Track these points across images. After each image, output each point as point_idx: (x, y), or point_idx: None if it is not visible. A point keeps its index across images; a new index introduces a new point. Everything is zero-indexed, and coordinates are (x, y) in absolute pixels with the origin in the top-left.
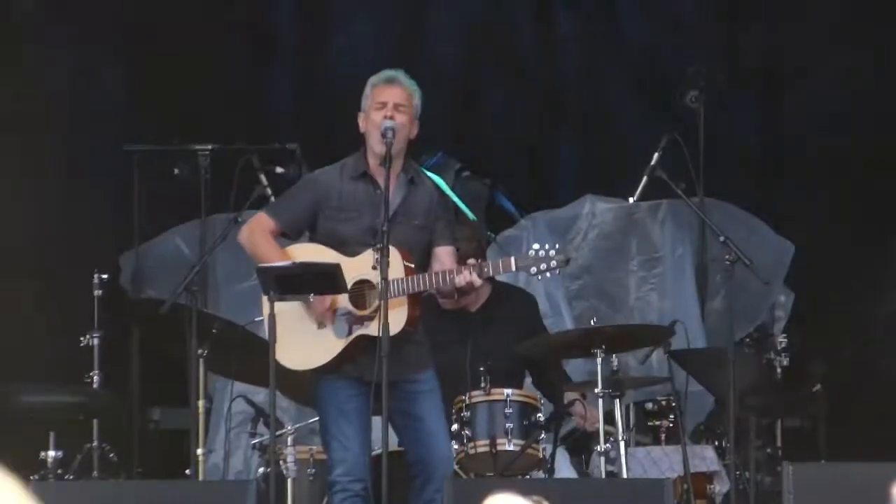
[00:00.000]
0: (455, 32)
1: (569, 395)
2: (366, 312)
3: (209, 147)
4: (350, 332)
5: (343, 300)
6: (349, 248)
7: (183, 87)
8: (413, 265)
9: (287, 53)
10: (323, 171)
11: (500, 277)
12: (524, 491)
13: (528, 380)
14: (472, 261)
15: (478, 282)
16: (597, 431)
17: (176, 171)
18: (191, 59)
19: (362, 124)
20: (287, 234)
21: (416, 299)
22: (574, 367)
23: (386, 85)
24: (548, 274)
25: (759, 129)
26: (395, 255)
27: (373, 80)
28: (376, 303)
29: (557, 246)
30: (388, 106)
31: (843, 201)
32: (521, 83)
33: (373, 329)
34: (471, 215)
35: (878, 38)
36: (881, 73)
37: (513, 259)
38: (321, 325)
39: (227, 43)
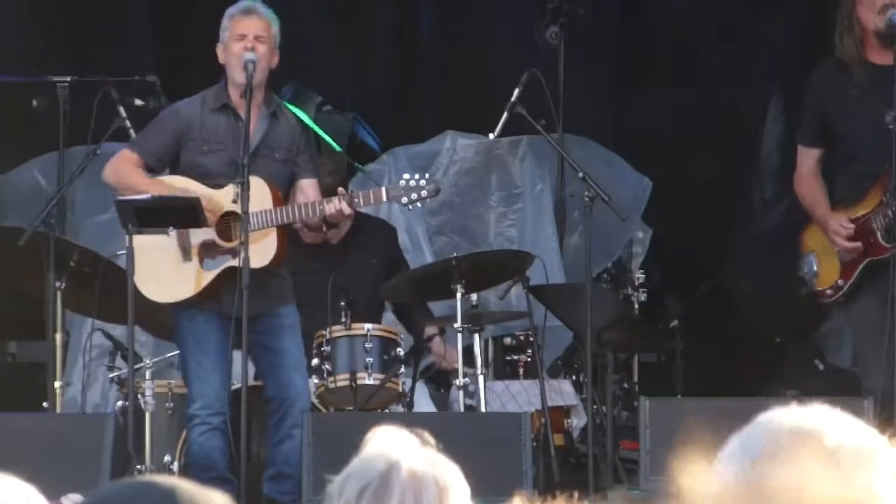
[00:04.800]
0: None
1: (428, 331)
2: (233, 244)
3: (67, 79)
4: (218, 265)
5: (209, 232)
6: (213, 180)
7: (40, 16)
8: (280, 197)
9: None
10: (184, 103)
11: (368, 209)
12: (387, 424)
13: (389, 315)
14: (342, 190)
15: (348, 211)
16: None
17: (34, 102)
18: None
19: (221, 56)
20: (152, 168)
21: (284, 232)
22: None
23: (244, 16)
24: (419, 204)
25: (617, 61)
26: (263, 186)
27: (230, 11)
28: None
29: (427, 175)
30: (248, 37)
31: (699, 135)
32: (383, 18)
33: (239, 260)
34: (336, 147)
35: None
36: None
37: (384, 189)
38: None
39: None
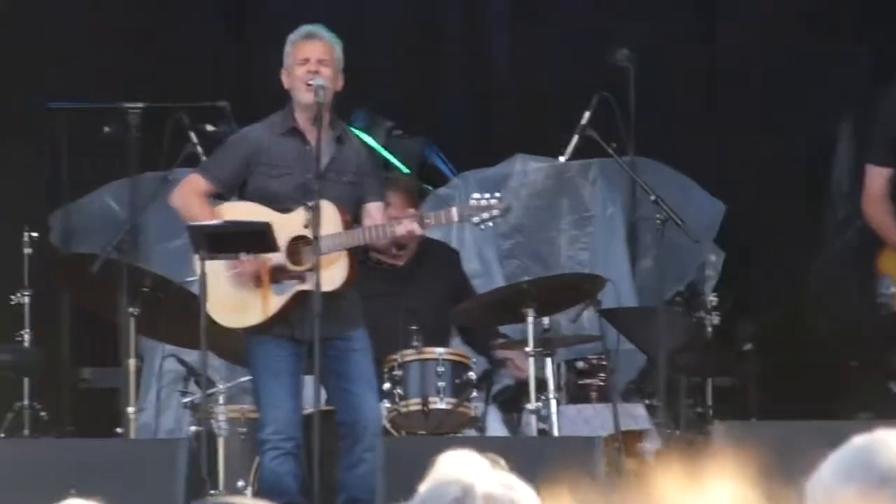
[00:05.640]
0: None
1: (501, 354)
2: (302, 269)
3: (139, 105)
4: (288, 289)
5: (279, 257)
6: (281, 204)
7: (110, 43)
8: (349, 220)
9: (218, 8)
10: (252, 128)
11: (435, 234)
12: (460, 448)
13: (457, 339)
14: (412, 211)
15: (419, 231)
16: (528, 389)
17: (106, 129)
18: (118, 16)
19: (286, 81)
20: (220, 194)
21: (354, 256)
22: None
23: (306, 40)
24: (490, 223)
25: (689, 86)
26: (332, 210)
27: (292, 36)
28: (313, 259)
29: (497, 194)
30: (312, 61)
31: (773, 160)
32: (454, 42)
33: (311, 284)
34: (404, 169)
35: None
36: (811, 27)
37: (454, 209)
38: (240, 284)
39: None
